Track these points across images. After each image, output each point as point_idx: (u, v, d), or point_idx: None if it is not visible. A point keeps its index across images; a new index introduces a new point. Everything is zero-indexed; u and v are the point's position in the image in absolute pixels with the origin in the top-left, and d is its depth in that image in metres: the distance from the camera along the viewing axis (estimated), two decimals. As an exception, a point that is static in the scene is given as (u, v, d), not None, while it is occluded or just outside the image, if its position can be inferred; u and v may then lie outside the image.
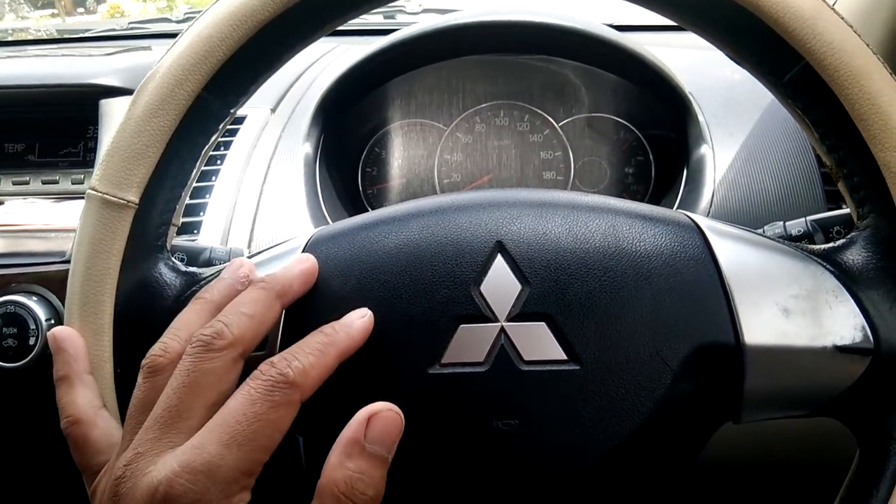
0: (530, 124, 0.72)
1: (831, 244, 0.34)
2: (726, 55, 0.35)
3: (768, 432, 0.50)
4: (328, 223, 0.60)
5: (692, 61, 0.70)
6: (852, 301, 0.31)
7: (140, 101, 0.34)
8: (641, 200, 0.70)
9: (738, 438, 0.46)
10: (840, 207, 0.55)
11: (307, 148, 0.63)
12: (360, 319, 0.31)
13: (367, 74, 0.65)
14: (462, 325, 0.31)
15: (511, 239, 0.32)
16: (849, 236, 0.33)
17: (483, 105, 0.72)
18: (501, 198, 0.35)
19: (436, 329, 0.31)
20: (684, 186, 0.62)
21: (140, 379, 0.30)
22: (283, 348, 0.30)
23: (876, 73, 0.30)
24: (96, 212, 0.33)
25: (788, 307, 0.31)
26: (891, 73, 0.31)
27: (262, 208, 0.59)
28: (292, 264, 0.33)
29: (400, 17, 0.98)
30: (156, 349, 0.30)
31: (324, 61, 0.76)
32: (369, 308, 0.32)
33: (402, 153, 0.73)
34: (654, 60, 0.63)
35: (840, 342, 0.30)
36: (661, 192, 0.69)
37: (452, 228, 0.33)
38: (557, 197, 0.35)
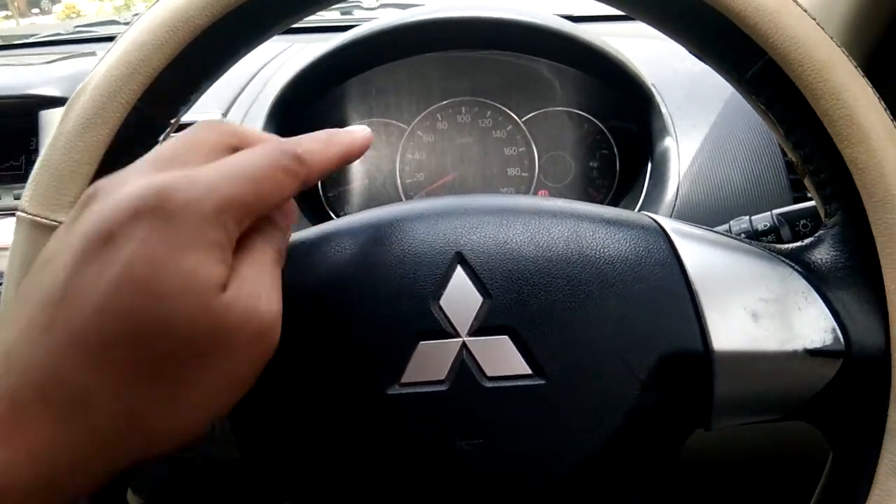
0: (493, 120, 0.71)
1: (799, 243, 0.33)
2: (688, 50, 0.34)
3: (739, 435, 0.50)
4: None
5: (652, 52, 0.69)
6: (821, 302, 0.30)
7: (71, 116, 0.31)
8: (607, 194, 0.70)
9: (709, 443, 0.45)
10: (806, 197, 0.55)
11: (262, 153, 0.61)
12: (362, 130, 0.31)
13: (323, 74, 0.63)
14: (422, 342, 0.30)
15: (471, 249, 0.31)
16: (816, 234, 0.32)
17: (444, 102, 0.71)
18: (460, 205, 0.34)
19: (394, 347, 0.30)
20: (649, 180, 0.61)
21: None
22: None
23: (840, 66, 0.29)
24: (26, 234, 0.31)
25: (757, 311, 0.30)
26: (855, 67, 0.30)
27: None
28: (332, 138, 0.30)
29: (357, 13, 0.96)
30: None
31: (277, 61, 0.74)
32: (326, 327, 0.30)
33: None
34: (615, 54, 0.62)
35: (810, 345, 0.30)
36: (626, 185, 0.68)
37: (410, 240, 0.32)
38: (518, 203, 0.34)
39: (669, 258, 0.31)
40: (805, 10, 0.30)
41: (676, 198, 0.57)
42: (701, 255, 0.32)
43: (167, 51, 0.31)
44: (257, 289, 0.25)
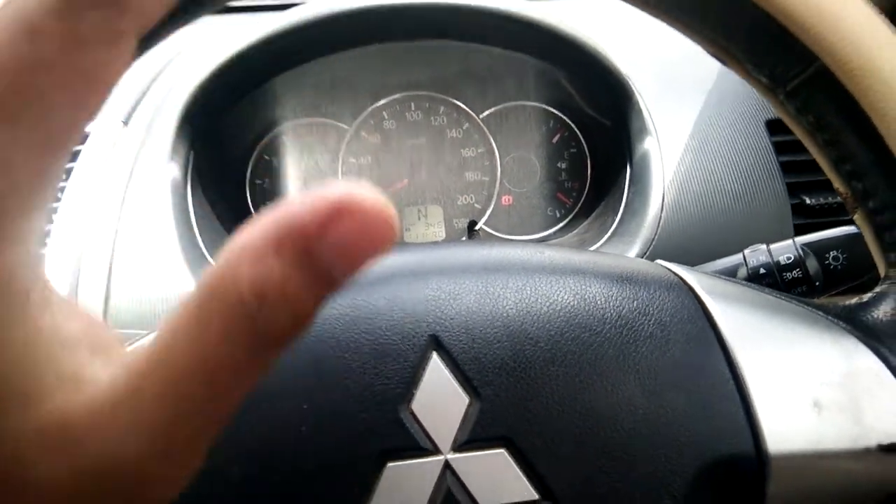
0: (447, 118, 0.63)
1: (855, 299, 0.27)
2: (711, 55, 0.27)
3: None
4: (209, 264, 0.48)
5: (623, 34, 0.61)
6: None
7: None
8: (578, 199, 0.63)
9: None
10: (803, 203, 0.50)
11: (173, 168, 0.51)
12: None
13: (243, 72, 0.54)
14: (390, 464, 0.23)
15: (449, 330, 0.24)
16: (878, 289, 0.27)
17: (391, 98, 0.63)
18: (432, 263, 0.26)
19: (354, 473, 0.23)
20: (630, 187, 0.54)
21: None
22: None
23: None
24: None
25: (819, 400, 0.24)
26: None
27: (118, 255, 0.46)
28: None
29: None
30: None
31: (185, 60, 0.63)
32: (264, 453, 0.22)
33: (298, 159, 0.63)
34: (585, 39, 0.55)
35: (886, 440, 0.24)
36: (600, 189, 0.61)
37: (366, 321, 0.24)
38: (507, 258, 0.27)
39: (705, 331, 0.25)
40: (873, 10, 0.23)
41: (662, 209, 0.50)
42: (743, 324, 0.26)
43: None
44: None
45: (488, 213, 0.63)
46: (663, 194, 0.51)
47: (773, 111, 0.54)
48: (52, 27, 0.13)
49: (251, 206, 0.62)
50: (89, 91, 0.14)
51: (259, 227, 0.13)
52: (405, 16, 0.54)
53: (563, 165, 0.63)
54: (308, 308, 0.13)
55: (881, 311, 0.26)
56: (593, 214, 0.60)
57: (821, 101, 0.26)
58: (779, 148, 0.52)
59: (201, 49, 0.58)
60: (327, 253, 0.13)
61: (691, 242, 0.49)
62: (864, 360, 0.25)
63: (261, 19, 0.54)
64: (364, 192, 0.13)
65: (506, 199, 0.63)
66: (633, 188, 0.54)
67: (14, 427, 0.14)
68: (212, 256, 0.49)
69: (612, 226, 0.54)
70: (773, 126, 0.53)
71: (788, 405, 0.24)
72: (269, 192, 0.63)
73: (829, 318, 0.26)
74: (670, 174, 0.52)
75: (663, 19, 0.27)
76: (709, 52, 0.28)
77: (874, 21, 0.24)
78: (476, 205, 0.63)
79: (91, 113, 0.14)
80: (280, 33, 0.53)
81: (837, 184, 0.28)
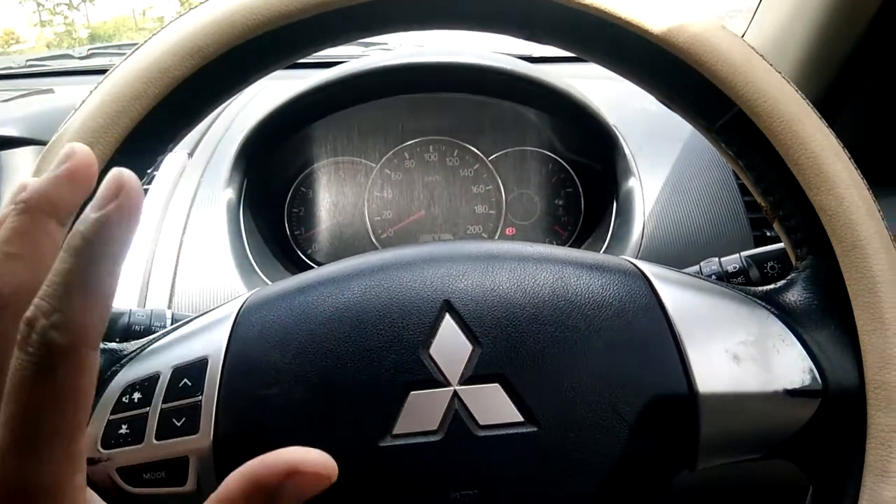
0: (460, 159, 0.72)
1: (773, 285, 0.34)
2: (657, 99, 0.35)
3: (722, 475, 0.51)
4: (257, 273, 0.57)
5: (612, 92, 0.71)
6: (798, 344, 0.31)
7: (45, 167, 0.30)
8: (573, 231, 0.71)
9: (692, 484, 0.46)
10: (764, 234, 0.58)
11: (230, 193, 0.60)
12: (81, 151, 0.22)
13: (291, 116, 0.63)
14: (412, 392, 0.30)
15: (458, 297, 0.31)
16: (788, 277, 0.34)
17: (412, 141, 0.72)
18: (446, 252, 0.34)
19: (384, 398, 0.30)
20: (615, 219, 0.63)
21: None
22: (217, 444, 0.28)
23: (807, 118, 0.31)
24: None
25: (738, 353, 0.31)
26: (820, 118, 0.32)
27: (182, 262, 0.55)
28: (55, 164, 0.21)
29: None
30: None
31: (242, 100, 0.73)
32: (311, 382, 0.29)
33: (330, 191, 0.72)
34: (578, 95, 0.64)
35: (790, 386, 0.31)
36: (591, 223, 0.70)
37: (396, 288, 0.32)
38: (503, 249, 0.34)
39: (652, 303, 0.32)
40: (771, 65, 0.32)
41: (642, 237, 0.58)
42: (681, 299, 0.32)
43: (144, 102, 0.30)
44: None
45: (494, 242, 0.71)
46: (644, 225, 0.59)
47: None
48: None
49: (287, 230, 0.71)
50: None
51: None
52: (426, 73, 0.64)
53: (560, 202, 0.72)
54: None
55: (790, 293, 0.33)
56: (585, 243, 0.68)
57: (739, 136, 0.32)
58: (744, 190, 0.61)
59: (256, 95, 0.69)
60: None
61: (666, 263, 0.57)
62: (774, 326, 0.32)
63: (304, 74, 0.65)
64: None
65: (510, 230, 0.72)
66: (618, 220, 0.62)
67: None
68: (258, 267, 0.58)
69: (601, 252, 0.63)
70: None
71: (714, 357, 0.30)
72: (303, 219, 0.71)
73: (750, 297, 0.33)
74: (650, 208, 0.60)
75: (623, 76, 0.36)
76: (659, 100, 0.37)
77: (774, 74, 0.31)
78: (483, 234, 0.72)
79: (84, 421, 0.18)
80: (322, 85, 0.62)
81: (759, 199, 0.34)
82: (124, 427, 0.30)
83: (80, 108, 0.31)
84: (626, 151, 0.64)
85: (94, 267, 0.18)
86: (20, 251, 0.20)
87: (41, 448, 0.17)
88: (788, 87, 0.31)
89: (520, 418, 0.30)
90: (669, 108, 0.36)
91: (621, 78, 0.35)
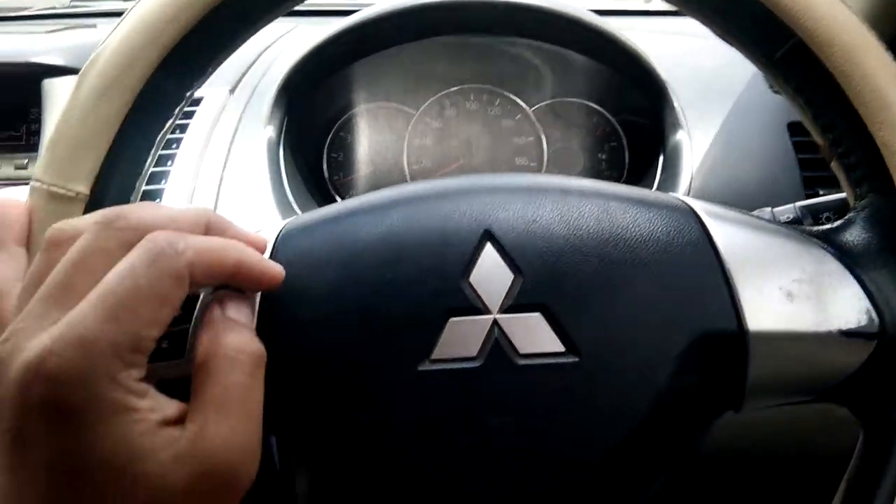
0: (502, 109, 0.71)
1: (830, 225, 0.33)
2: (714, 32, 0.34)
3: (767, 420, 0.50)
4: (296, 212, 0.57)
5: (667, 49, 0.69)
6: (856, 284, 0.30)
7: (85, 85, 0.31)
8: (615, 187, 0.70)
9: (736, 428, 0.45)
10: (817, 194, 0.55)
11: (270, 131, 0.60)
12: (277, 266, 0.29)
13: (329, 56, 0.62)
14: (452, 319, 0.29)
15: (500, 227, 0.30)
16: (847, 216, 0.32)
17: (453, 89, 0.70)
18: (487, 184, 0.33)
19: (424, 324, 0.29)
20: (661, 172, 0.61)
21: (38, 253, 0.26)
22: None
23: (871, 48, 0.29)
24: (42, 205, 0.30)
25: (792, 291, 0.30)
26: (886, 50, 0.30)
27: (223, 195, 0.55)
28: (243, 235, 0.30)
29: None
30: (61, 223, 0.27)
31: (283, 42, 0.72)
32: (349, 307, 0.29)
33: (369, 138, 0.71)
34: (631, 44, 0.62)
35: (845, 326, 0.29)
36: (634, 178, 0.68)
37: (436, 217, 0.31)
38: (546, 182, 0.33)
39: (701, 238, 0.31)
40: None
41: (689, 191, 0.57)
42: (733, 235, 0.31)
43: (181, 23, 0.30)
44: (220, 425, 0.24)
45: (534, 196, 0.70)
46: (691, 180, 0.57)
47: (795, 115, 0.60)
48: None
49: (326, 175, 0.71)
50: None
51: None
52: (473, 12, 0.62)
53: (604, 157, 0.70)
54: None
55: (848, 233, 0.32)
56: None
57: (798, 68, 0.31)
58: (798, 147, 0.58)
59: (297, 35, 0.68)
60: None
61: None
62: (831, 265, 0.30)
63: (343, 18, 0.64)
64: None
65: (550, 184, 0.71)
66: (664, 174, 0.61)
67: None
68: (297, 205, 0.58)
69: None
70: (794, 128, 0.60)
71: (766, 294, 0.29)
72: (342, 164, 0.71)
73: (805, 235, 0.32)
74: (697, 163, 0.58)
75: (679, 6, 0.34)
76: (717, 34, 0.35)
77: (838, 3, 0.30)
78: (523, 187, 0.71)
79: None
80: (363, 22, 0.62)
81: (817, 137, 0.33)
82: (165, 343, 0.31)
83: (118, 28, 0.31)
84: (676, 105, 0.62)
85: (229, 256, 0.27)
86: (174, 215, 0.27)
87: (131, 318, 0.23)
88: (851, 15, 0.30)
89: (561, 348, 0.29)
90: (727, 41, 0.34)
91: (680, 34, 0.34)
